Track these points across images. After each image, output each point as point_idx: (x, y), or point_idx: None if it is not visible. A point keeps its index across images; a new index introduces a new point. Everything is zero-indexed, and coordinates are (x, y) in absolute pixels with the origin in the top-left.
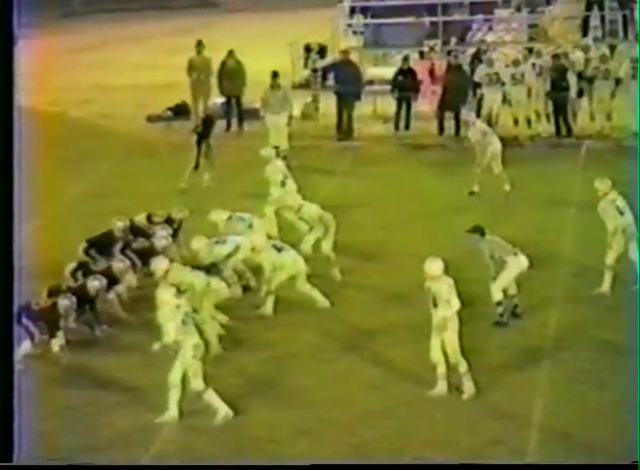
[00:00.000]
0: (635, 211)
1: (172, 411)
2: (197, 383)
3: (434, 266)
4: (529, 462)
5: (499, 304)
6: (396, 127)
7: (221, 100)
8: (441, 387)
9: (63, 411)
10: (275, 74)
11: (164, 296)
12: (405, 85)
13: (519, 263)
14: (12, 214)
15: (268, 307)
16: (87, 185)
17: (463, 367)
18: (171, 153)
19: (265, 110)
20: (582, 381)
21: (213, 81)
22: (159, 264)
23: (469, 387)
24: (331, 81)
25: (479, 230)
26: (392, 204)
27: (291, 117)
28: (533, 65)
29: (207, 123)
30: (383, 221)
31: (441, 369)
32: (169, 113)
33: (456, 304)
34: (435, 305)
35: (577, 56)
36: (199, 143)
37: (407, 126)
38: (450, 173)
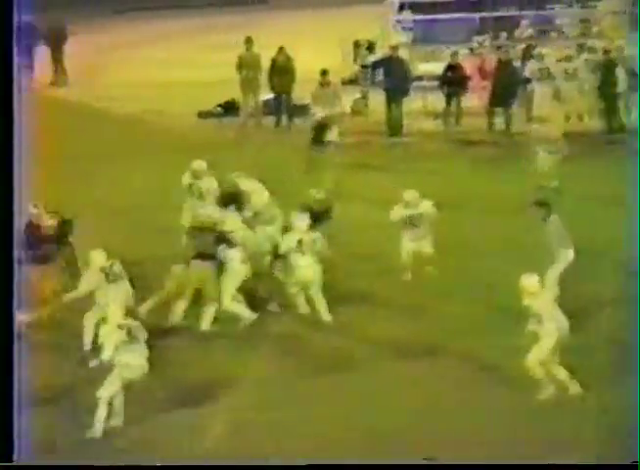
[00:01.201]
0: None
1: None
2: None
3: (529, 282)
4: (532, 462)
5: None
6: (446, 123)
7: (270, 96)
8: (548, 390)
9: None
10: (324, 72)
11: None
12: (454, 81)
13: (567, 257)
14: None
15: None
16: (139, 181)
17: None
18: (222, 149)
19: (315, 107)
20: None
21: (262, 78)
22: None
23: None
24: (380, 77)
25: (544, 205)
26: (445, 200)
27: (341, 115)
28: (586, 60)
29: (322, 128)
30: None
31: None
32: (219, 109)
33: (550, 323)
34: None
35: (631, 51)
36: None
37: (457, 122)
38: (501, 170)
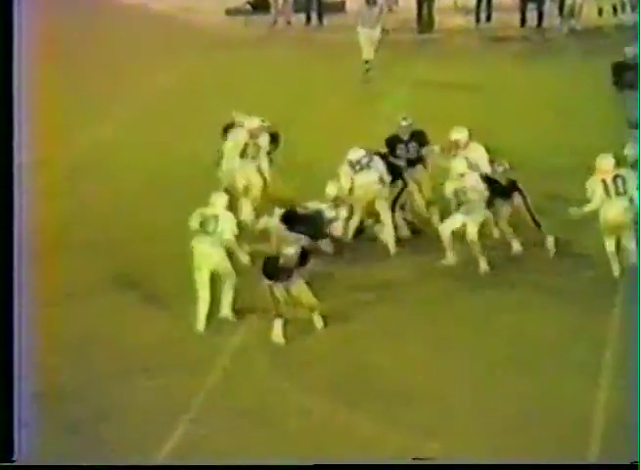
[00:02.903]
0: None
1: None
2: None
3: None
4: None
5: None
6: (477, 19)
7: None
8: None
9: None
10: None
11: None
12: None
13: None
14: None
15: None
16: (167, 78)
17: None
18: (251, 47)
19: (359, 24)
20: None
21: None
22: None
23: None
24: None
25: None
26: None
27: (384, 31)
28: None
29: None
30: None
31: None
32: (248, 6)
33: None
34: None
35: None
36: None
37: (488, 18)
38: (532, 65)
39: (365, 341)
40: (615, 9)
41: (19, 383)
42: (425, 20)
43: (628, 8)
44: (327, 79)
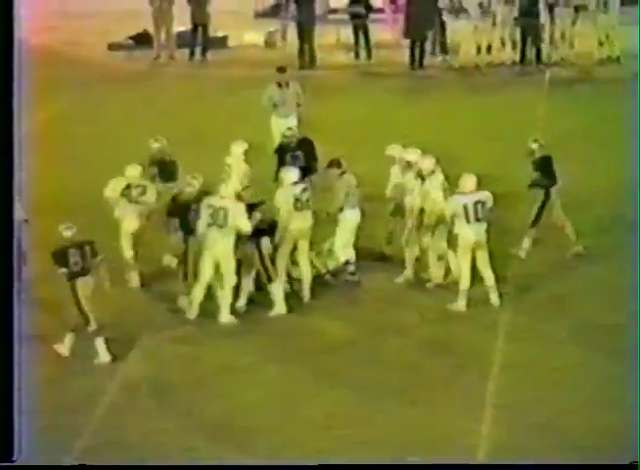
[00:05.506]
0: None
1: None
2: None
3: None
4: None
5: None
6: (356, 56)
7: (183, 29)
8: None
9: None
10: (281, 69)
11: None
12: (359, 13)
13: (352, 217)
14: None
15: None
16: (51, 113)
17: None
18: (133, 81)
19: (271, 111)
20: None
21: (175, 10)
22: None
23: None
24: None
25: (336, 164)
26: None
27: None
28: None
29: None
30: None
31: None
32: (130, 41)
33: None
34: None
35: None
36: None
37: (369, 55)
38: (413, 102)
39: (251, 378)
40: (489, 48)
41: (19, 381)
42: (306, 56)
43: (508, 47)
44: (211, 113)
